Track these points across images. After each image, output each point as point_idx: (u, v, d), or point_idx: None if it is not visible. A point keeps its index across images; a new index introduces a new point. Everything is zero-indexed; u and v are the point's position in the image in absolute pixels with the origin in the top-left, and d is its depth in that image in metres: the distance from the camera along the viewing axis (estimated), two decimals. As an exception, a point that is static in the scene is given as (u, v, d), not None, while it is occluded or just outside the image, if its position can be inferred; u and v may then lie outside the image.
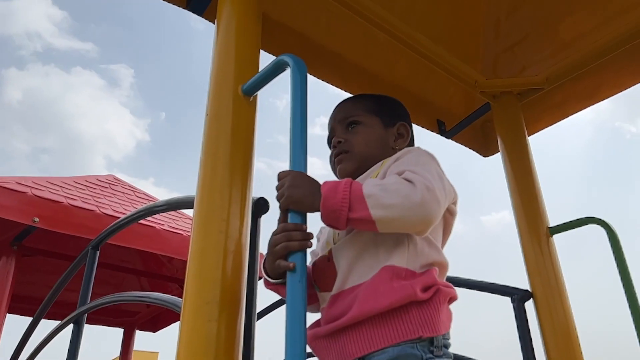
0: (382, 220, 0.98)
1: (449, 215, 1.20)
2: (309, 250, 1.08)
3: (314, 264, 1.23)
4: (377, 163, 1.30)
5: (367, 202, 0.98)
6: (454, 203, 1.20)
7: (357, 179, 1.26)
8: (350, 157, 1.34)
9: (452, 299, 1.11)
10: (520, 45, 2.47)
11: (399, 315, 1.00)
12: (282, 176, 1.01)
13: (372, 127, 1.39)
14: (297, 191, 0.98)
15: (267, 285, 1.15)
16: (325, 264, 1.17)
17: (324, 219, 1.01)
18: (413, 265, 1.08)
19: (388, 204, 0.98)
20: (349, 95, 1.66)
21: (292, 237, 0.94)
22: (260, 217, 1.34)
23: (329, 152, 1.48)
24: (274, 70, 1.19)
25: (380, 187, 1.01)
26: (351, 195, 0.99)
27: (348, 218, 0.98)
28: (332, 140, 1.40)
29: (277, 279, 1.08)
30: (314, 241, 1.01)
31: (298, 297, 0.87)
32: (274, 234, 0.99)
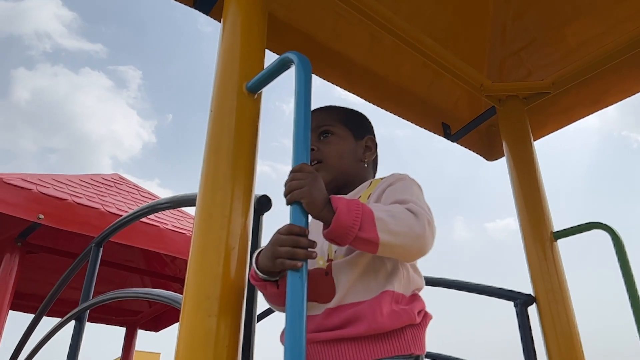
0: (386, 244, 1.03)
1: None
2: None
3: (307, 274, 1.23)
4: (350, 176, 1.39)
5: (376, 225, 1.02)
6: None
7: (347, 196, 1.29)
8: (325, 168, 1.36)
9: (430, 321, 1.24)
10: (526, 49, 2.47)
11: (397, 334, 1.10)
12: (308, 170, 1.02)
13: (344, 138, 1.44)
14: (317, 193, 1.00)
15: (255, 279, 1.14)
16: (323, 277, 1.18)
17: (329, 232, 1.02)
18: (405, 291, 1.18)
19: (395, 230, 1.03)
20: (351, 96, 1.67)
21: (299, 243, 0.95)
22: (263, 214, 1.34)
23: None
24: (279, 68, 1.19)
25: (388, 213, 1.06)
26: (363, 215, 1.02)
27: (356, 236, 1.01)
28: None
29: (267, 275, 1.09)
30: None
31: (299, 294, 0.87)
32: (279, 232, 1.00)
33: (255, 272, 1.11)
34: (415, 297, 1.20)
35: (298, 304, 0.86)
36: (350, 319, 1.10)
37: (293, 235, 0.96)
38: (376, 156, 1.51)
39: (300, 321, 0.84)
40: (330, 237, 1.04)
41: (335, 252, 1.21)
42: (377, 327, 1.08)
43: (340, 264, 1.18)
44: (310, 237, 1.24)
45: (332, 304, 1.14)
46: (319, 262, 1.22)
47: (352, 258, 1.17)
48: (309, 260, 1.23)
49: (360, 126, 1.50)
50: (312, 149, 1.36)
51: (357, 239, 1.02)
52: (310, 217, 1.27)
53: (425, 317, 1.19)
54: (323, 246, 1.23)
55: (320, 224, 1.23)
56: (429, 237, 1.08)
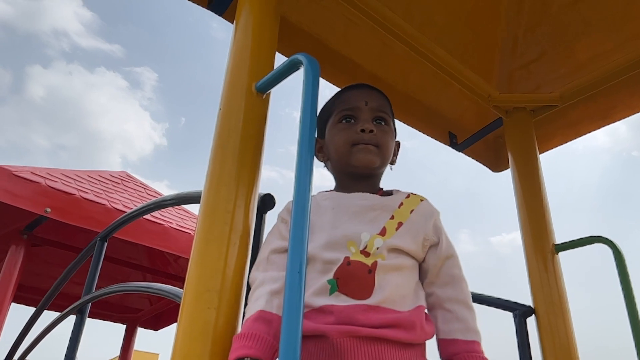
0: None
1: None
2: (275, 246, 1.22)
3: (348, 264, 1.15)
4: (380, 173, 1.38)
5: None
6: None
7: (386, 198, 1.30)
8: (378, 155, 1.32)
9: None
10: (536, 63, 2.47)
11: (423, 345, 1.20)
12: None
13: (392, 134, 1.40)
14: None
15: None
16: (365, 274, 1.14)
17: None
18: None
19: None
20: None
21: None
22: (266, 212, 1.36)
23: None
24: (288, 68, 1.20)
25: (475, 320, 1.24)
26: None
27: None
28: (360, 121, 1.35)
29: None
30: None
31: (297, 297, 0.86)
32: None
33: None
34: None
35: (295, 306, 0.84)
36: (395, 324, 1.11)
37: None
38: None
39: (297, 326, 0.82)
40: None
41: (377, 248, 1.17)
42: (417, 338, 1.14)
43: (385, 267, 1.15)
44: (338, 220, 1.24)
45: (370, 302, 1.11)
46: (350, 249, 1.17)
47: (397, 264, 1.18)
48: (343, 247, 1.19)
49: (395, 127, 1.47)
50: (372, 131, 1.32)
51: None
52: (331, 202, 1.28)
53: None
54: (361, 234, 1.18)
55: (347, 206, 1.25)
56: None
